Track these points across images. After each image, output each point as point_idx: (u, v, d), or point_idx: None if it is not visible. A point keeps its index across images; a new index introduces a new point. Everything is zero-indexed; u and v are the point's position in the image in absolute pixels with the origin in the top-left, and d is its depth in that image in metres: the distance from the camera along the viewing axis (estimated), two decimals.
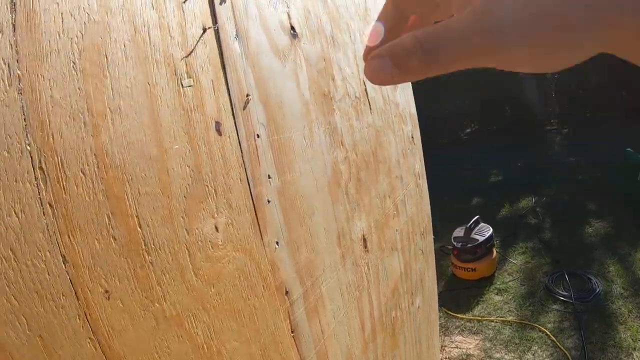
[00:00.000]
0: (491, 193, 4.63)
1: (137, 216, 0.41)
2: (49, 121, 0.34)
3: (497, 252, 2.97)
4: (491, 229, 2.85)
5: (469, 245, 2.70)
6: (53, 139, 0.34)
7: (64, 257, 0.34)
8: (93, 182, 0.38)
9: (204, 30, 0.49)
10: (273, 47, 0.64)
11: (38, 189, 0.33)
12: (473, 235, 2.77)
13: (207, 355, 0.46)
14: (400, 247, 1.25)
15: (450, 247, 2.89)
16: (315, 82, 0.76)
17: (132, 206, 0.41)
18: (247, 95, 0.57)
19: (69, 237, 0.35)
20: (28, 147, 0.33)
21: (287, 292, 0.61)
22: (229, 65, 0.54)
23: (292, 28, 0.70)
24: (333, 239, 0.77)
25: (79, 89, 0.36)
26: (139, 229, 0.41)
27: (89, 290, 0.36)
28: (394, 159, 1.26)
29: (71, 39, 0.37)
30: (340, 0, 0.98)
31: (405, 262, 1.31)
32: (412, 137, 1.52)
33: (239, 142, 0.55)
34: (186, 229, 0.46)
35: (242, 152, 0.55)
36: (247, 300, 0.53)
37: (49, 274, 0.33)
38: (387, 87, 1.32)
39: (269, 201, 0.60)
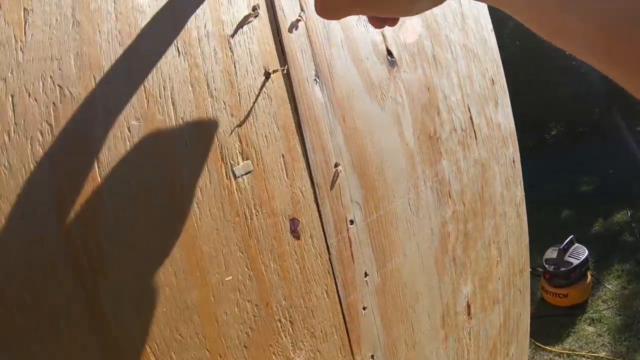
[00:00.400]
0: (582, 205, 3.76)
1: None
2: None
3: (591, 275, 2.32)
4: (587, 251, 2.22)
5: (562, 269, 2.09)
6: None
7: None
8: None
9: (267, 75, 0.27)
10: (367, 84, 0.38)
11: None
12: (567, 258, 2.18)
13: None
14: (502, 297, 0.92)
15: (541, 269, 2.33)
16: (420, 122, 0.50)
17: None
18: (336, 166, 0.34)
19: None
20: None
21: None
22: (308, 125, 0.31)
23: (390, 53, 0.45)
24: (437, 321, 0.50)
25: None
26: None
27: None
28: (498, 194, 0.93)
29: None
30: (437, 8, 0.70)
31: (505, 312, 0.97)
32: (514, 161, 1.15)
33: (326, 240, 0.32)
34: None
35: (329, 255, 0.33)
36: None
37: None
38: (489, 106, 0.98)
39: (364, 308, 0.37)
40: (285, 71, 0.27)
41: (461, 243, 0.62)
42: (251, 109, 0.25)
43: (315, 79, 0.32)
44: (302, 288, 0.28)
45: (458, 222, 0.61)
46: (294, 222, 0.28)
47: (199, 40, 0.22)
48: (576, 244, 2.28)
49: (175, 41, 0.21)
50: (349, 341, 0.33)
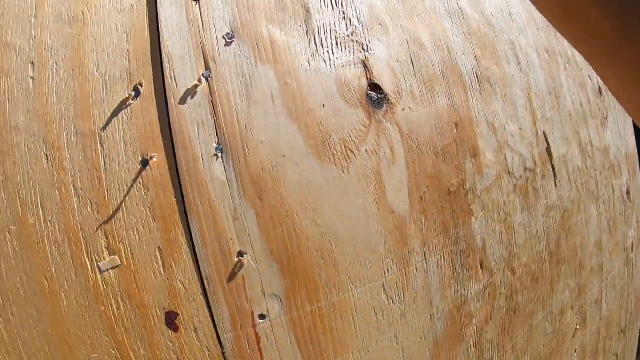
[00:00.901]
0: None
1: None
2: None
3: None
4: None
5: None
6: None
7: None
8: None
9: (145, 163, 0.23)
10: (316, 142, 0.28)
11: None
12: None
13: None
14: None
15: None
16: (427, 176, 0.35)
17: None
18: (241, 255, 0.28)
19: None
20: None
21: None
22: (197, 213, 0.27)
23: (374, 87, 0.32)
24: None
25: None
26: None
27: None
28: (591, 244, 0.62)
29: None
30: (492, 4, 0.47)
31: None
32: (628, 193, 0.76)
33: (217, 334, 0.28)
34: None
35: (222, 349, 0.28)
36: None
37: None
38: (590, 126, 0.65)
39: None
40: (153, 159, 0.24)
41: (498, 323, 0.44)
42: (120, 203, 0.24)
43: (215, 155, 0.26)
44: None
45: (495, 298, 0.44)
46: (170, 315, 0.26)
47: (66, 143, 0.21)
48: None
49: (43, 148, 0.21)
50: None
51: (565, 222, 0.56)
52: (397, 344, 0.34)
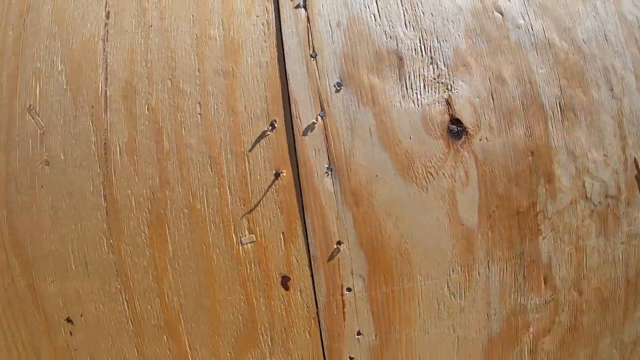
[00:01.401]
0: None
1: (189, 347, 0.31)
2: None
3: None
4: None
5: None
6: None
7: None
8: (158, 316, 0.30)
9: (277, 175, 0.27)
10: (401, 167, 0.30)
11: None
12: None
13: None
14: None
15: None
16: (498, 197, 0.32)
17: (185, 339, 0.31)
18: (339, 244, 0.30)
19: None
20: None
21: None
22: (312, 212, 0.29)
23: (455, 121, 0.30)
24: None
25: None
26: (189, 351, 0.31)
27: None
28: None
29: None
30: (584, 30, 0.34)
31: None
32: None
33: (315, 297, 0.31)
34: None
35: (317, 307, 0.31)
36: None
37: None
38: None
39: (351, 358, 0.33)
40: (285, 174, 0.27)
41: (557, 337, 0.36)
42: (259, 201, 0.28)
43: (326, 172, 0.28)
44: (285, 321, 0.29)
45: (556, 313, 0.36)
46: (284, 278, 0.29)
47: (224, 159, 0.26)
48: None
49: (209, 161, 0.27)
50: None
51: None
52: (454, 332, 0.32)
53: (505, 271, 0.36)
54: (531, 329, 0.39)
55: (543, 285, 0.38)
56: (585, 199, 0.40)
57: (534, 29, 0.38)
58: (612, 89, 0.44)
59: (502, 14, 0.37)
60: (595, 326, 0.44)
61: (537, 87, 0.37)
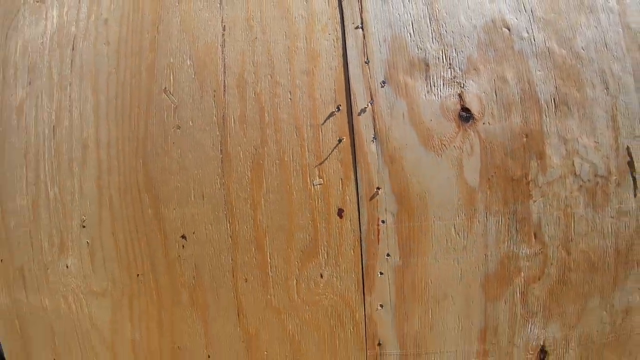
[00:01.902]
0: None
1: (269, 256, 0.54)
2: None
3: None
4: None
5: None
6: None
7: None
8: (250, 234, 0.53)
9: (339, 141, 0.49)
10: (424, 139, 0.50)
11: None
12: None
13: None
14: None
15: None
16: (497, 166, 0.51)
17: (267, 251, 0.53)
18: (378, 189, 0.51)
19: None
20: None
21: (379, 344, 0.54)
22: (361, 166, 0.50)
23: (465, 109, 0.49)
24: (472, 330, 0.54)
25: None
26: (269, 260, 0.53)
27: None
28: None
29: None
30: (584, 39, 0.51)
31: None
32: None
33: (359, 225, 0.52)
34: (298, 268, 0.53)
35: (360, 233, 0.52)
36: (333, 330, 0.54)
37: None
38: None
39: (381, 273, 0.53)
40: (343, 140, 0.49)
41: (546, 286, 0.54)
42: (326, 157, 0.49)
43: (372, 140, 0.49)
44: (338, 241, 0.50)
45: (545, 265, 0.53)
46: (340, 210, 0.51)
47: (305, 129, 0.49)
48: None
49: (294, 129, 0.50)
50: (363, 283, 0.52)
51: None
52: (457, 264, 0.52)
53: (500, 223, 0.55)
54: (522, 274, 0.57)
55: (533, 239, 0.56)
56: (574, 175, 0.58)
57: (536, 40, 0.56)
58: (607, 88, 0.60)
59: (509, 29, 0.56)
60: (583, 285, 0.61)
61: (535, 86, 0.56)
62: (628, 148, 0.60)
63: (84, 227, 0.68)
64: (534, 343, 0.60)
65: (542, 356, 0.59)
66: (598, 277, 0.59)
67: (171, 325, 0.62)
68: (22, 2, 0.75)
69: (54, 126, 0.70)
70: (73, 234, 0.70)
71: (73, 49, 0.70)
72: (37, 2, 0.73)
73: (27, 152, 0.75)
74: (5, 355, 0.94)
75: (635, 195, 0.59)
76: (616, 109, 0.59)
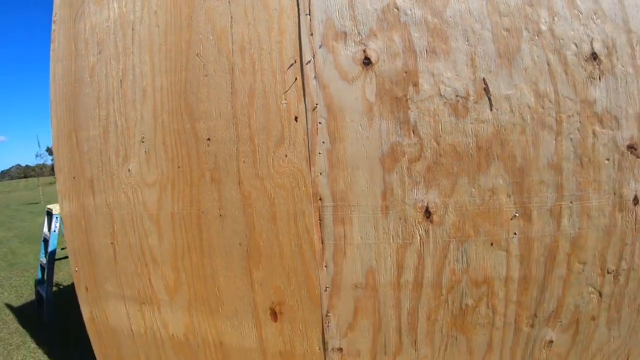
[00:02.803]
0: None
1: (257, 145, 1.25)
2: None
3: None
4: None
5: None
6: None
7: None
8: (246, 133, 1.26)
9: (295, 79, 1.19)
10: (343, 76, 1.14)
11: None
12: None
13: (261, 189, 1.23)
14: (518, 254, 1.20)
15: None
16: (385, 90, 1.16)
17: (256, 142, 1.25)
18: (316, 105, 1.19)
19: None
20: None
21: (320, 199, 1.21)
22: (307, 93, 1.18)
23: (367, 58, 1.17)
24: (377, 191, 1.18)
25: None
26: (257, 148, 1.26)
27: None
28: (544, 163, 1.18)
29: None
30: (452, 11, 1.17)
31: (525, 273, 1.21)
32: (632, 147, 1.18)
33: (306, 124, 1.20)
34: (273, 152, 1.24)
35: (307, 130, 1.21)
36: (293, 190, 1.23)
37: None
38: (559, 80, 1.19)
39: (319, 153, 1.21)
40: (299, 79, 1.18)
41: (424, 165, 1.18)
42: (288, 88, 1.20)
43: (314, 78, 1.17)
44: (295, 137, 1.20)
45: (422, 150, 1.17)
46: (296, 117, 1.20)
47: (280, 73, 1.21)
48: None
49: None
50: (309, 159, 1.20)
51: (499, 135, 1.22)
52: (364, 148, 1.19)
53: (389, 123, 1.17)
54: (406, 156, 1.20)
55: (412, 134, 1.20)
56: (440, 96, 1.20)
57: (415, 14, 1.21)
58: (468, 41, 1.23)
59: (397, 9, 1.22)
60: (452, 166, 1.23)
61: (413, 44, 1.20)
62: (484, 79, 1.23)
63: (142, 141, 1.46)
64: (419, 204, 1.23)
65: (427, 215, 1.23)
66: (464, 163, 1.21)
67: (198, 196, 1.36)
68: None
69: (120, 80, 1.50)
70: (135, 147, 1.48)
71: (133, 30, 1.51)
72: None
73: (99, 98, 1.56)
74: (71, 252, 1.76)
75: (491, 109, 1.22)
76: (475, 54, 1.22)
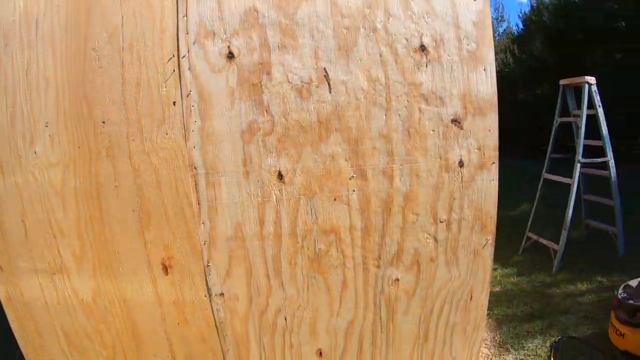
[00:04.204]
0: None
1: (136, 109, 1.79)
2: None
3: None
4: None
5: (631, 301, 2.17)
6: None
7: None
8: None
9: (174, 71, 1.72)
10: (211, 67, 1.68)
11: None
12: None
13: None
14: (358, 207, 1.80)
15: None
16: (245, 78, 1.72)
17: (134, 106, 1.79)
18: (190, 92, 1.73)
19: None
20: None
21: (195, 168, 1.76)
22: (183, 82, 1.71)
23: (230, 53, 1.72)
24: (239, 160, 1.74)
25: None
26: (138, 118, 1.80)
27: None
28: (376, 133, 1.78)
29: None
30: (302, 13, 1.75)
31: (367, 223, 1.81)
32: (456, 121, 1.80)
33: (182, 107, 1.75)
34: (157, 131, 1.79)
35: (183, 111, 1.75)
36: (173, 161, 1.77)
37: None
38: (390, 68, 1.80)
39: (193, 130, 1.76)
40: (177, 71, 1.73)
41: (277, 138, 1.75)
42: (169, 77, 1.75)
43: (188, 69, 1.73)
44: (171, 118, 1.75)
45: (273, 126, 1.74)
46: (174, 102, 1.76)
47: (162, 65, 1.75)
48: None
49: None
50: (185, 137, 1.75)
51: (337, 112, 1.80)
52: (227, 125, 1.76)
53: (247, 105, 1.62)
54: (261, 130, 1.74)
55: (265, 113, 1.73)
56: (288, 82, 1.75)
57: (271, 16, 1.78)
58: (312, 37, 1.80)
59: (257, 12, 1.79)
60: (299, 137, 1.79)
61: (267, 40, 1.74)
62: (325, 68, 1.82)
63: (47, 126, 1.97)
64: (273, 169, 1.79)
65: (280, 177, 1.80)
66: (308, 135, 1.80)
67: (96, 171, 1.86)
68: None
69: (25, 71, 2.01)
70: (40, 131, 1.99)
71: (37, 26, 2.03)
72: None
73: (6, 88, 2.06)
74: None
75: (330, 92, 1.81)
76: (319, 48, 1.81)
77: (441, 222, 1.83)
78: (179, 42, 1.70)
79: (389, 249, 1.80)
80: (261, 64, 1.65)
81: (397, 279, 1.85)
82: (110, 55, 1.75)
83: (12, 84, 1.90)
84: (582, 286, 3.53)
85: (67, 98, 1.79)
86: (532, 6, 11.28)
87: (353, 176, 1.70)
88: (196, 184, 1.69)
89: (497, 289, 3.67)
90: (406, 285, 1.86)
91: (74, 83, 1.77)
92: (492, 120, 1.77)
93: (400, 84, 1.72)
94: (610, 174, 4.07)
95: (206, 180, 1.69)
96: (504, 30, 14.01)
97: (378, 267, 1.81)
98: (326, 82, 1.68)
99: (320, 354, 1.95)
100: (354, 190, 1.71)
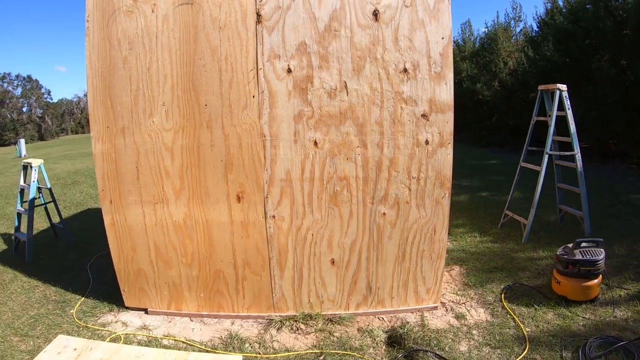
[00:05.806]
0: None
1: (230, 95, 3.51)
2: None
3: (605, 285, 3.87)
4: (602, 255, 3.75)
5: (566, 257, 3.78)
6: None
7: None
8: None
9: (254, 77, 3.46)
10: (277, 76, 3.25)
11: None
12: (578, 251, 3.80)
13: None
14: (361, 165, 3.57)
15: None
16: (297, 84, 3.38)
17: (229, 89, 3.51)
18: (263, 90, 3.49)
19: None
20: None
21: (264, 136, 3.50)
22: (259, 84, 3.46)
23: (289, 69, 3.44)
24: (291, 132, 3.35)
25: None
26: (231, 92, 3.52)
27: None
28: (373, 120, 3.56)
29: None
30: (335, 45, 3.53)
31: (366, 175, 3.61)
32: (424, 115, 3.58)
33: (258, 99, 3.51)
34: (241, 113, 3.53)
35: (259, 101, 3.49)
36: (251, 131, 3.51)
37: None
38: (393, 82, 3.59)
39: (264, 114, 3.46)
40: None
41: (315, 121, 3.48)
42: (251, 79, 3.48)
43: (263, 77, 3.49)
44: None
45: (314, 113, 3.49)
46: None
47: (246, 73, 3.47)
48: (601, 248, 3.79)
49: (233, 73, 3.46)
50: (260, 108, 3.48)
51: (351, 107, 3.45)
52: (287, 107, 3.55)
53: (298, 100, 3.33)
54: (305, 114, 3.44)
55: (309, 106, 3.41)
56: (322, 88, 3.40)
57: (313, 47, 3.51)
58: (338, 62, 3.55)
59: (306, 45, 3.52)
60: (328, 121, 3.52)
61: (311, 62, 3.48)
62: (345, 81, 3.58)
63: (163, 105, 3.68)
64: (312, 138, 3.52)
65: (315, 144, 3.56)
66: (333, 120, 3.51)
67: (199, 136, 3.50)
68: (115, 7, 3.78)
69: (147, 67, 3.73)
70: (158, 108, 3.67)
71: (156, 38, 3.76)
72: (128, 11, 3.78)
73: (131, 77, 3.74)
74: (100, 178, 3.99)
75: (347, 95, 3.59)
76: (341, 68, 3.54)
77: (413, 178, 3.62)
78: (257, 60, 3.46)
79: (379, 193, 3.58)
80: (307, 76, 3.43)
81: (384, 213, 3.65)
82: (211, 63, 3.50)
83: (136, 75, 3.61)
84: (543, 253, 5.02)
85: (180, 88, 3.53)
86: (546, 9, 13.32)
87: (359, 146, 3.48)
88: (264, 146, 3.46)
89: (473, 249, 5.46)
90: (390, 218, 3.66)
91: (185, 79, 3.52)
92: (449, 116, 3.46)
93: (390, 92, 3.49)
94: (577, 166, 5.82)
95: (271, 144, 3.45)
96: (521, 30, 16.07)
97: (372, 204, 3.59)
98: (345, 90, 3.47)
99: (333, 262, 3.76)
100: (359, 155, 3.47)
